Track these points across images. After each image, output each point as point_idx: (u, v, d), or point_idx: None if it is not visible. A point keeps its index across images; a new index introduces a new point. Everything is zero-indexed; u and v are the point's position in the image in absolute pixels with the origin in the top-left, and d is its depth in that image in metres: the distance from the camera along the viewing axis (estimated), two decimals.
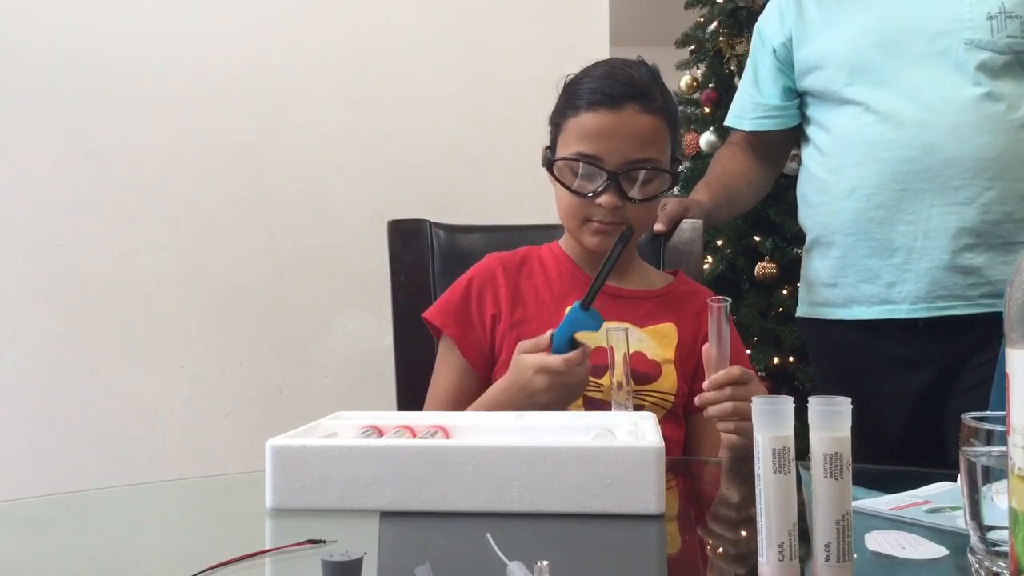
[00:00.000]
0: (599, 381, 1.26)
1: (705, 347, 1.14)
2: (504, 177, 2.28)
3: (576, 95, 1.30)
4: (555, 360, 1.14)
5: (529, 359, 1.15)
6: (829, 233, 1.58)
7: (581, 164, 1.27)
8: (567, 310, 1.20)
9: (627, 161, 1.27)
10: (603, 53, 2.30)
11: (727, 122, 1.79)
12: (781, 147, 1.78)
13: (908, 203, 1.47)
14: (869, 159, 1.49)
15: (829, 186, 1.57)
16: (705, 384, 1.13)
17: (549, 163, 1.31)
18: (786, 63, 1.66)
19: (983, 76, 1.43)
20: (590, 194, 1.27)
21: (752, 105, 1.72)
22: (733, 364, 1.13)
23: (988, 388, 1.32)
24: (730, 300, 1.15)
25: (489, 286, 1.35)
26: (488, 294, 1.34)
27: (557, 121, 1.33)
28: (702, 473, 1.22)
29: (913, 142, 1.45)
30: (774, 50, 1.67)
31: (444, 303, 1.36)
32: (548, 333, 1.17)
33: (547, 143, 1.37)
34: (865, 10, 1.53)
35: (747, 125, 1.72)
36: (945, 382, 1.51)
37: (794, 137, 1.73)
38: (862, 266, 1.54)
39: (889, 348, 1.53)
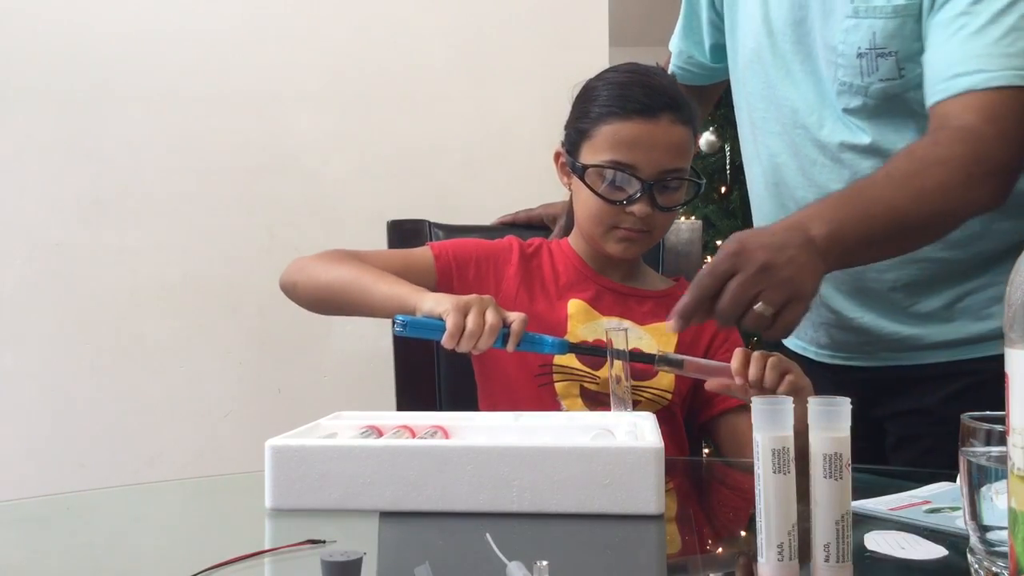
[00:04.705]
0: (596, 373, 1.27)
1: (708, 384, 1.11)
2: (504, 177, 2.28)
3: (608, 101, 1.28)
4: (495, 320, 1.07)
5: (488, 299, 1.10)
6: None
7: (616, 172, 1.26)
8: (564, 339, 1.14)
9: (661, 171, 1.26)
10: (603, 53, 2.30)
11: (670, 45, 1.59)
12: (711, 92, 1.65)
13: None
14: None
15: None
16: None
17: (581, 170, 1.29)
18: (721, 18, 1.45)
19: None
20: (622, 202, 1.27)
21: (678, 52, 1.56)
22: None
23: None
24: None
25: (501, 265, 1.36)
26: (492, 272, 1.35)
27: (583, 126, 1.31)
28: (702, 473, 1.22)
29: None
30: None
31: (454, 249, 1.35)
32: (523, 318, 1.10)
33: (560, 144, 1.36)
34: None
35: (672, 70, 1.57)
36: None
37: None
38: None
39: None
